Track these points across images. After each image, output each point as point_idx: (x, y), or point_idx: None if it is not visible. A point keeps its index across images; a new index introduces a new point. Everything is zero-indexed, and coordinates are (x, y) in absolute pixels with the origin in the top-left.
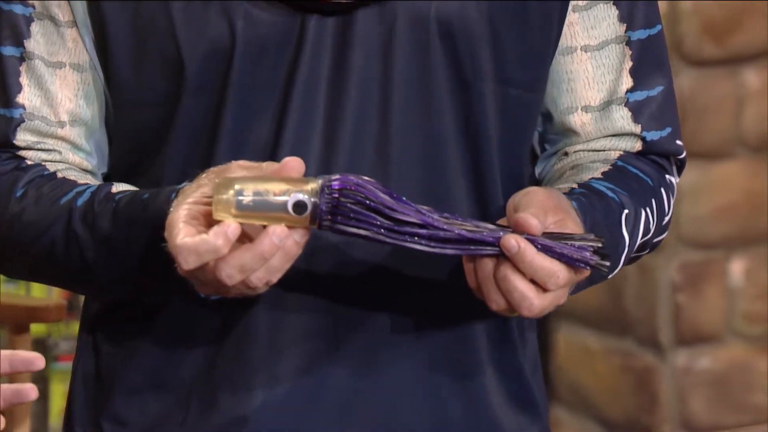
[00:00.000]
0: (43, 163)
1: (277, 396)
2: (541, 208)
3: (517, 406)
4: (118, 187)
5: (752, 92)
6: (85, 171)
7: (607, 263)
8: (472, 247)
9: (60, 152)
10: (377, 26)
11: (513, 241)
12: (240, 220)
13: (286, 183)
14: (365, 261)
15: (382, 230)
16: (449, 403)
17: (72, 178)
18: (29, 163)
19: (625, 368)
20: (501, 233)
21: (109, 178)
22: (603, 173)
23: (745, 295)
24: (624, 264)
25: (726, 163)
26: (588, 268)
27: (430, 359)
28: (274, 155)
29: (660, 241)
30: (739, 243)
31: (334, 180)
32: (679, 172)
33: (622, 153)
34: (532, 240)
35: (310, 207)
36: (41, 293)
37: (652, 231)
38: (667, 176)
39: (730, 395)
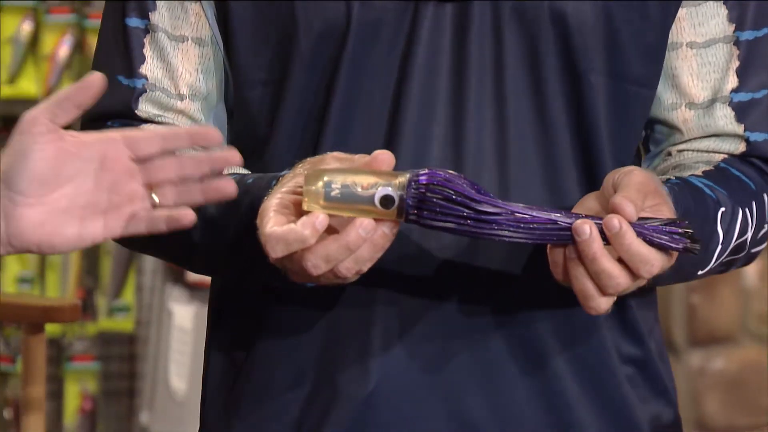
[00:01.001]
0: None
1: (388, 381)
2: (639, 191)
3: (646, 393)
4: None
5: None
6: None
7: (698, 246)
8: (561, 233)
9: (179, 127)
10: (491, 13)
11: (615, 221)
12: (328, 211)
13: (374, 176)
14: (474, 250)
15: (469, 221)
16: (567, 385)
17: None
18: None
19: None
20: (596, 220)
21: None
22: (703, 172)
23: (759, 296)
24: (717, 264)
25: None
26: (679, 250)
27: (542, 339)
28: (393, 138)
29: (758, 252)
30: None
31: (422, 174)
32: None
33: (726, 156)
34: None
35: (397, 201)
36: (56, 293)
37: (750, 234)
38: None
39: (744, 396)
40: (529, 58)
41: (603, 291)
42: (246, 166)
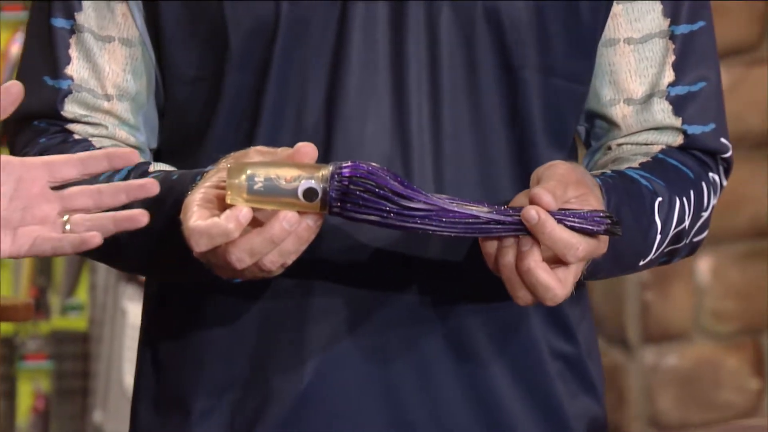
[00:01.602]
0: (90, 139)
1: (323, 379)
2: (560, 182)
3: (575, 389)
4: (156, 167)
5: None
6: (131, 146)
7: (619, 229)
8: (484, 227)
9: (107, 127)
10: (426, 12)
11: (533, 212)
12: (252, 204)
13: (297, 169)
14: (410, 237)
15: (392, 215)
16: (499, 381)
17: None
18: (76, 137)
19: None
20: (518, 211)
21: (158, 154)
22: (640, 164)
23: (712, 293)
24: (658, 254)
25: None
26: (600, 232)
27: (476, 337)
28: (330, 135)
29: (700, 241)
30: (707, 241)
31: (345, 167)
32: (726, 174)
33: (664, 147)
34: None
35: (320, 193)
36: (8, 292)
37: (687, 222)
38: (710, 173)
39: (697, 393)
40: (464, 55)
41: (542, 301)
42: (178, 164)
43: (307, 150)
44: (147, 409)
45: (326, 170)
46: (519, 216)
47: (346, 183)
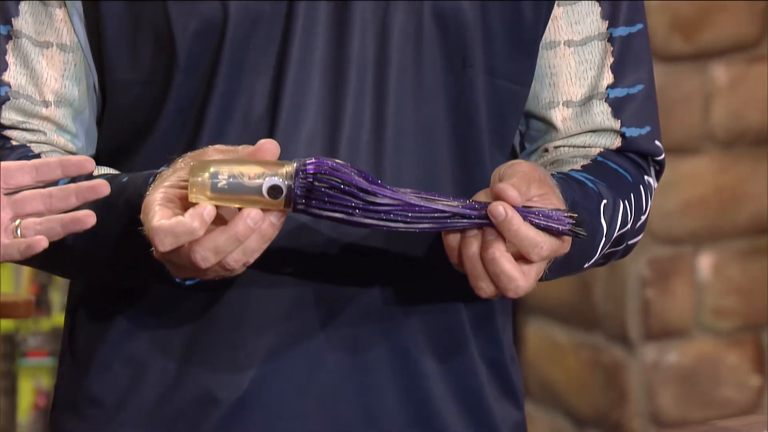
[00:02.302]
0: (28, 145)
1: (261, 376)
2: (524, 179)
3: (501, 393)
4: (100, 170)
5: (720, 88)
6: (70, 153)
7: (584, 232)
8: (449, 221)
9: (45, 133)
10: (373, 9)
11: (501, 208)
12: (215, 202)
13: (261, 166)
14: (352, 239)
15: (357, 211)
16: (434, 385)
17: None
18: (14, 143)
19: (593, 363)
20: (483, 206)
21: (97, 158)
22: (582, 166)
23: (713, 290)
24: (599, 257)
25: (694, 159)
26: (566, 232)
27: (414, 340)
28: (271, 134)
29: (635, 243)
30: (708, 238)
31: (309, 164)
32: (658, 176)
33: (602, 150)
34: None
35: (284, 190)
36: (9, 288)
37: (629, 225)
38: (645, 176)
39: (698, 390)
40: (413, 56)
41: (503, 292)
42: (121, 167)
43: (269, 147)
44: (67, 420)
45: (290, 167)
46: (485, 211)
47: (311, 180)
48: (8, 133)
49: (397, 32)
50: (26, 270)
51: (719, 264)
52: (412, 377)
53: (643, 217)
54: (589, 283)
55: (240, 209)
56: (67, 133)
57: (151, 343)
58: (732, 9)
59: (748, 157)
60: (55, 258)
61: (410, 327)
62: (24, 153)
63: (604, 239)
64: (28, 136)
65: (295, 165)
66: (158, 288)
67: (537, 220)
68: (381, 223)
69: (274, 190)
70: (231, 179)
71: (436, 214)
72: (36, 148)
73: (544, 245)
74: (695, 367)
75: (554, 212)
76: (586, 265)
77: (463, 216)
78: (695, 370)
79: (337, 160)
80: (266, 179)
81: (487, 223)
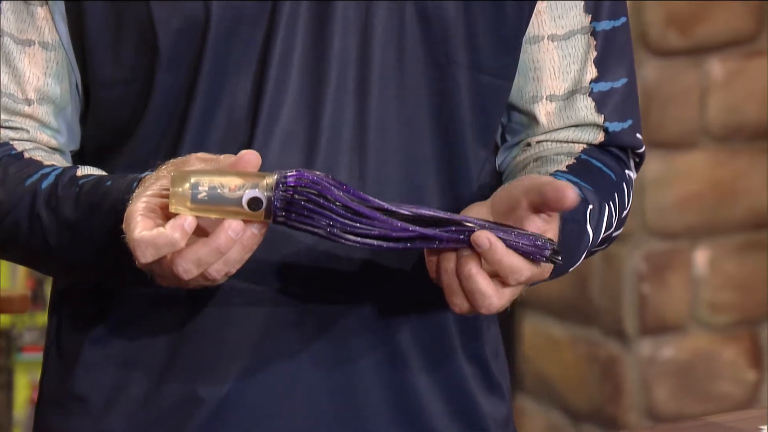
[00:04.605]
0: (11, 142)
1: (245, 375)
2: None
3: (485, 389)
4: (84, 171)
5: (716, 82)
6: (53, 149)
7: (560, 258)
8: (428, 243)
9: (28, 131)
10: (355, 8)
11: (484, 239)
12: (196, 213)
13: (241, 178)
14: (335, 252)
15: (335, 229)
16: (425, 391)
17: (38, 158)
18: None
19: (589, 357)
20: (466, 230)
21: (81, 155)
22: (568, 166)
23: (709, 285)
24: (584, 258)
25: (690, 153)
26: (543, 259)
27: (398, 338)
28: (251, 134)
29: (617, 235)
30: (704, 233)
31: (290, 176)
32: (637, 168)
33: (585, 146)
34: (488, 227)
35: (264, 202)
36: (5, 283)
37: (613, 226)
38: (626, 171)
39: (694, 384)
40: (395, 53)
41: (477, 309)
42: (105, 165)
43: (250, 158)
44: (51, 406)
45: (271, 179)
46: (467, 239)
47: (291, 192)
48: None
49: (380, 30)
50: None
51: (716, 259)
52: (397, 375)
53: (625, 212)
54: (585, 278)
55: (221, 220)
56: (50, 130)
57: (137, 343)
58: (728, 3)
59: (744, 152)
60: (37, 257)
61: (394, 324)
62: (6, 151)
63: (589, 244)
64: (11, 134)
65: (275, 177)
66: (141, 289)
67: (517, 246)
68: (358, 239)
69: (254, 202)
70: (211, 190)
71: (415, 236)
72: (19, 146)
73: (525, 272)
74: (691, 361)
75: (532, 237)
76: (570, 269)
77: (447, 240)
78: (691, 365)
79: (317, 173)
80: (246, 191)
81: (467, 246)
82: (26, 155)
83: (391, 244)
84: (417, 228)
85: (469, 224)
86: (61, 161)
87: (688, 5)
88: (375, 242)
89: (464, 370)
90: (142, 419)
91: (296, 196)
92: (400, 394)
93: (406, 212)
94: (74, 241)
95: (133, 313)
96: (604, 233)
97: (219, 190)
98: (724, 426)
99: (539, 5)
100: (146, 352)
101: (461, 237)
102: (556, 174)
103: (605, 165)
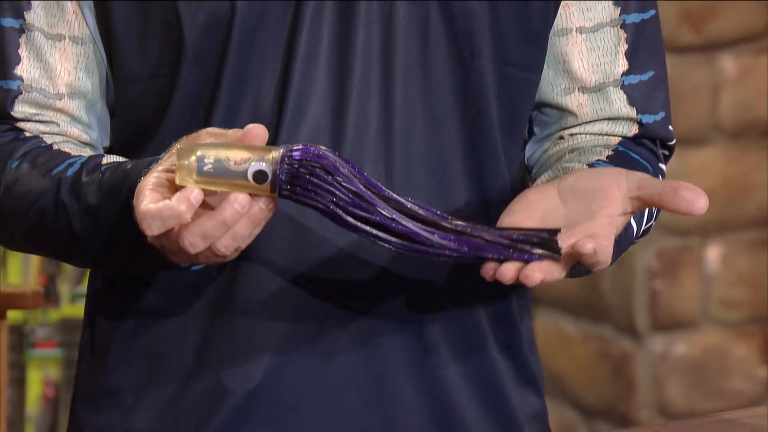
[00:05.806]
0: (41, 135)
1: (273, 368)
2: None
3: (519, 382)
4: (108, 158)
5: (729, 79)
6: (84, 144)
7: (558, 256)
8: (424, 248)
9: (58, 124)
10: (379, 9)
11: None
12: (201, 186)
13: (248, 151)
14: (363, 245)
15: (338, 209)
16: (454, 383)
17: (67, 150)
18: (27, 134)
19: (601, 354)
20: (467, 242)
21: (111, 151)
22: (608, 157)
23: (721, 282)
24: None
25: (702, 150)
26: (539, 260)
27: (429, 331)
28: (277, 129)
29: (650, 228)
30: (716, 229)
31: (295, 150)
32: (666, 160)
33: (621, 139)
34: (493, 232)
35: (270, 176)
36: (18, 279)
37: (653, 218)
38: (660, 164)
39: (706, 381)
40: (419, 48)
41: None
42: (132, 158)
43: (258, 132)
44: (87, 410)
45: (277, 152)
46: (470, 254)
47: (296, 166)
48: (21, 125)
49: (403, 24)
50: (35, 261)
51: (727, 255)
52: (427, 368)
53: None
54: (597, 275)
55: (227, 194)
56: (80, 124)
57: (167, 336)
58: (741, 0)
59: (756, 149)
60: (64, 245)
61: (425, 318)
62: (37, 143)
63: (633, 237)
64: (41, 127)
65: (281, 151)
66: (173, 280)
67: (512, 255)
68: (358, 224)
69: (259, 176)
70: (217, 163)
71: (411, 237)
72: (49, 139)
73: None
74: (703, 358)
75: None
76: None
77: (447, 249)
78: (703, 362)
79: (323, 147)
80: (252, 164)
81: (470, 258)
82: (56, 147)
83: (385, 239)
84: (414, 228)
85: (468, 232)
86: (90, 154)
87: (701, 2)
88: (373, 231)
89: (497, 363)
90: (171, 412)
91: (301, 170)
92: (429, 385)
93: (402, 201)
94: (96, 225)
95: (164, 308)
96: (646, 225)
97: (225, 163)
98: (736, 423)
99: None
100: (176, 346)
101: (465, 250)
102: (597, 163)
103: (642, 157)
